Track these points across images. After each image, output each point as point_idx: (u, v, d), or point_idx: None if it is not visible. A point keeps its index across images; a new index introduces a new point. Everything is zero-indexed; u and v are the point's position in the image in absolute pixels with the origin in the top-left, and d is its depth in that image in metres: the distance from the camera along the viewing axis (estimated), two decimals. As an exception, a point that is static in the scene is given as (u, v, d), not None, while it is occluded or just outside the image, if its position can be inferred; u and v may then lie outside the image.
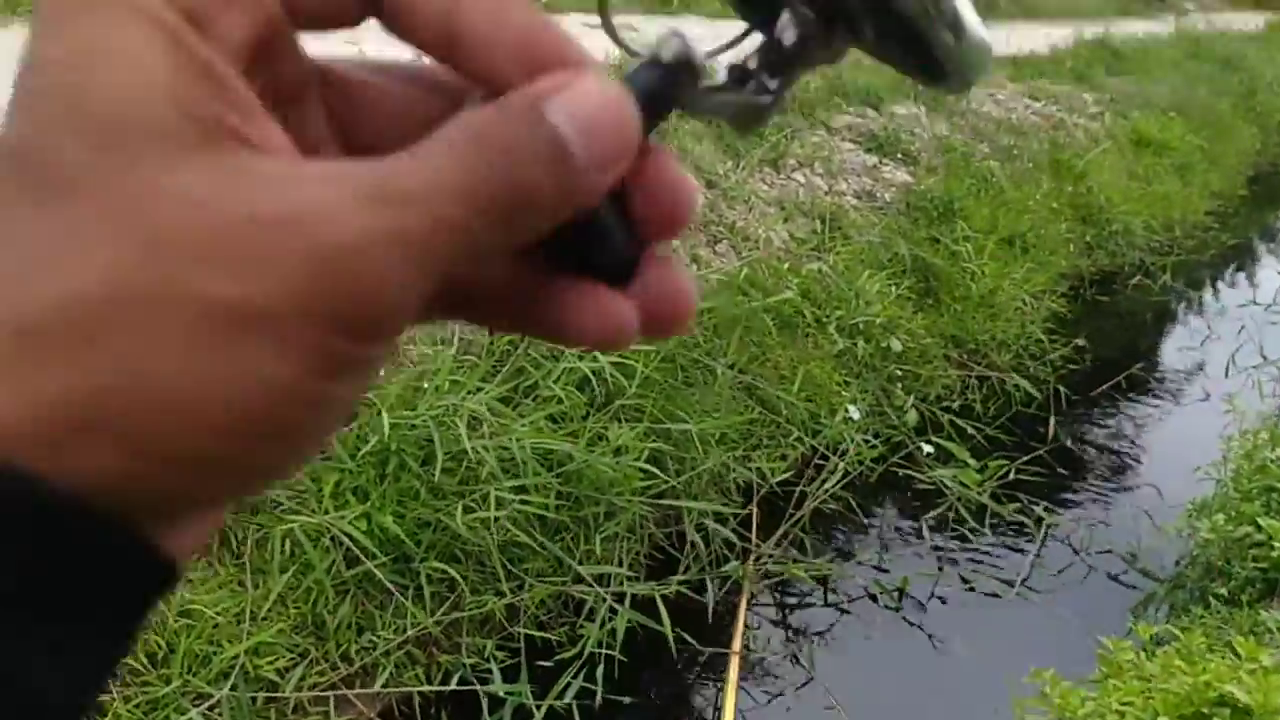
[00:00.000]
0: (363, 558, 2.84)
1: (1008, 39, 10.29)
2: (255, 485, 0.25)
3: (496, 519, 3.04)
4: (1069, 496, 4.76)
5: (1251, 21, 18.70)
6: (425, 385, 3.19)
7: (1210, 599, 3.40)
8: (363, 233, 0.23)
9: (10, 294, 0.21)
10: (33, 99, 0.22)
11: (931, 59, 0.32)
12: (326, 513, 2.85)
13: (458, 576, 2.99)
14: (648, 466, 3.46)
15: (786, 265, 4.87)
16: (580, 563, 3.26)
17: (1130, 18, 16.89)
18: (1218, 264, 8.63)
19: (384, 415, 2.97)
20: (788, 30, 0.31)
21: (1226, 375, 6.21)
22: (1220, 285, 8.28)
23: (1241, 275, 8.64)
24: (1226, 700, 2.25)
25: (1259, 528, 3.46)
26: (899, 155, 6.51)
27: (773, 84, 0.31)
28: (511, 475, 3.12)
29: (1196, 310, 7.70)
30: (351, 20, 0.27)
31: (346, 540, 2.83)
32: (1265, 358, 6.26)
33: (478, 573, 3.09)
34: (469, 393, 3.21)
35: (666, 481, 3.54)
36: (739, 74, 0.31)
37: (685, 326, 0.29)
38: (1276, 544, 3.36)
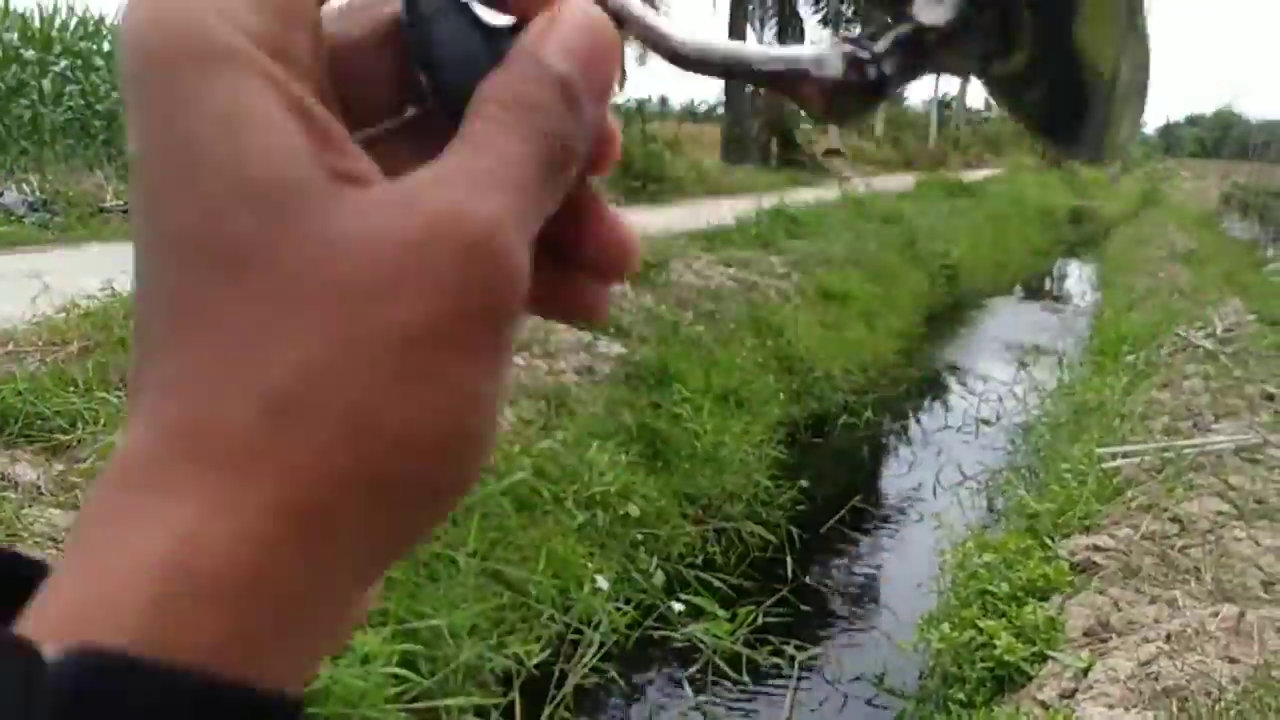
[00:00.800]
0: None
1: (698, 215, 11.16)
2: (449, 509, 0.26)
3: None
4: (816, 631, 4.95)
5: (903, 181, 21.22)
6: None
7: (950, 705, 3.60)
8: (492, 217, 0.24)
9: (241, 375, 0.22)
10: (193, 176, 0.23)
11: (1082, 105, 0.29)
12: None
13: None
14: (400, 670, 3.32)
15: (517, 447, 4.92)
16: (336, 788, 3.04)
17: (800, 187, 18.72)
18: (911, 396, 9.48)
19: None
20: (932, 9, 0.28)
21: (934, 495, 6.75)
22: (917, 415, 9.06)
23: (934, 403, 9.51)
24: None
25: (980, 630, 3.74)
26: (612, 330, 6.81)
27: (892, 67, 0.28)
28: (250, 706, 2.91)
29: (901, 440, 8.38)
30: None
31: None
32: (964, 475, 6.87)
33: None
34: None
35: (421, 683, 3.40)
36: (851, 56, 0.28)
37: (633, 268, 0.31)
38: (998, 643, 3.63)
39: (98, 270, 4.91)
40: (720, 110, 24.69)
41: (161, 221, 0.23)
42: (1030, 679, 3.49)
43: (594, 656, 4.04)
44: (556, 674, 3.95)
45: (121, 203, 9.06)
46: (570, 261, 0.29)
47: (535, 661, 3.93)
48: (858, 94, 0.28)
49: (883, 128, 41.09)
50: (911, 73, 0.28)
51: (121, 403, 3.77)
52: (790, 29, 26.69)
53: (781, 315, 8.47)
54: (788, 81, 0.28)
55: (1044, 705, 3.21)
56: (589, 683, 4.02)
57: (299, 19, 0.25)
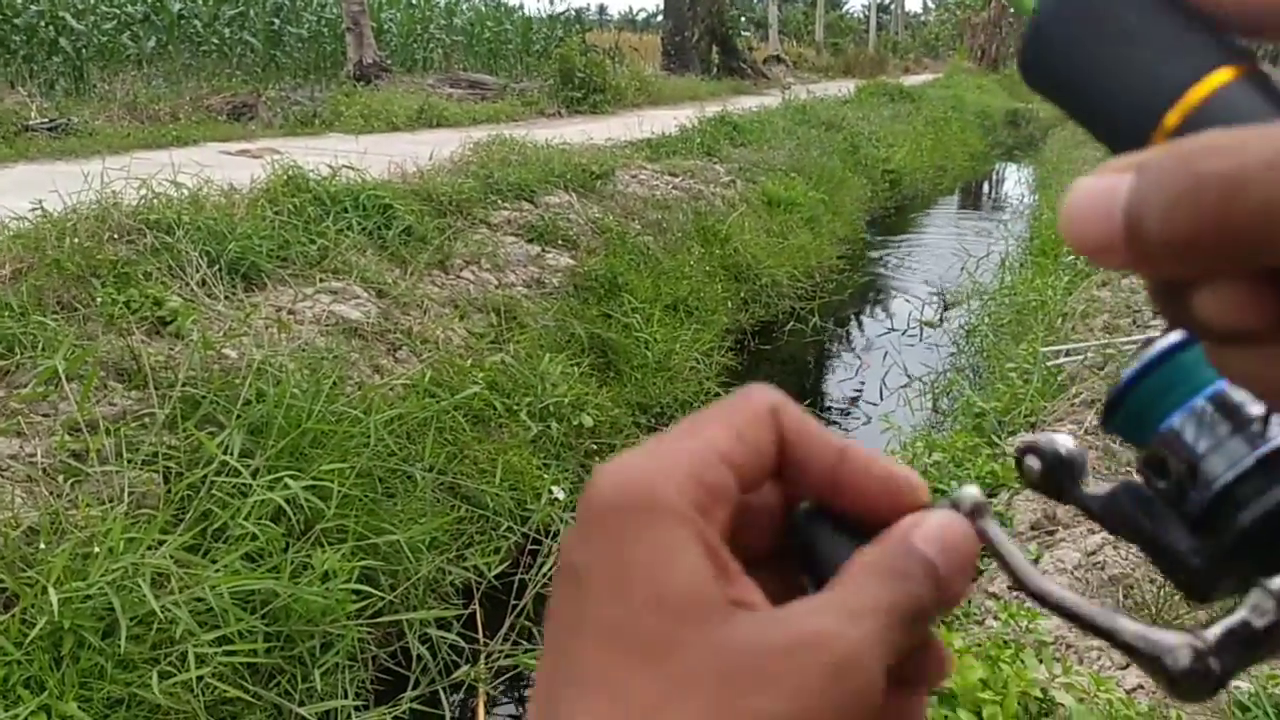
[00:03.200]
0: (48, 755, 2.52)
1: (640, 124, 11.02)
2: None
3: (200, 679, 2.80)
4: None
5: (844, 87, 21.11)
6: (96, 550, 2.91)
7: (904, 600, 3.70)
8: (860, 641, 0.31)
9: None
10: (628, 586, 0.31)
11: None
12: (-4, 714, 2.52)
13: (165, 750, 2.72)
14: (360, 586, 3.33)
15: (469, 361, 4.89)
16: (301, 704, 3.06)
17: (742, 95, 18.56)
18: (856, 301, 9.56)
19: (51, 591, 2.67)
20: (1261, 615, 0.32)
21: (881, 398, 6.85)
22: (862, 319, 9.16)
23: (878, 307, 9.60)
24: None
25: (931, 527, 3.82)
26: (559, 241, 6.74)
27: (1227, 660, 0.32)
28: (210, 627, 2.90)
29: (847, 344, 8.47)
30: (762, 485, 0.37)
31: (25, 740, 2.51)
32: (909, 376, 6.98)
33: (188, 741, 2.83)
34: (149, 548, 2.96)
35: (382, 598, 3.41)
36: (1195, 651, 0.32)
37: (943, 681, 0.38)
38: (948, 538, 3.72)
39: (26, 190, 4.73)
40: (659, 19, 24.20)
41: (594, 614, 0.31)
42: (981, 573, 3.59)
43: (553, 566, 4.08)
44: (516, 584, 3.98)
45: (46, 120, 8.72)
46: (896, 680, 0.35)
47: (495, 573, 3.96)
48: (1201, 682, 0.32)
49: (823, 33, 40.70)
50: (1246, 660, 0.33)
51: (59, 326, 3.67)
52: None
53: (728, 223, 8.44)
54: (1140, 658, 0.33)
55: (995, 597, 3.30)
56: (549, 591, 4.06)
57: (722, 497, 0.33)
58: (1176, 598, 2.92)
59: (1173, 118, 0.32)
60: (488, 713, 3.59)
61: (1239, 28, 0.32)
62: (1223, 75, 0.32)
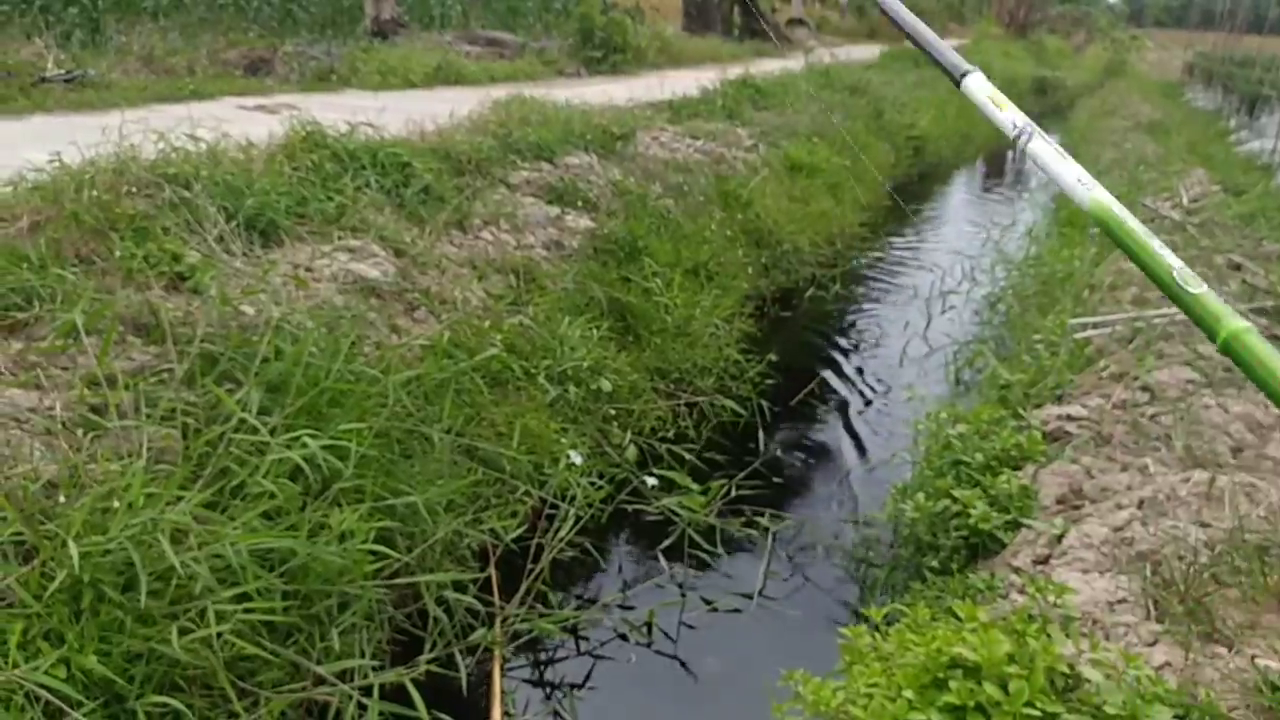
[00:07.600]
0: (66, 709, 2.51)
1: (661, 86, 10.88)
2: None
3: (219, 635, 2.78)
4: (788, 502, 5.00)
5: (868, 52, 20.84)
6: (115, 504, 2.88)
7: (925, 572, 3.66)
8: None
9: None
10: None
11: None
12: (16, 667, 2.50)
13: (182, 707, 2.70)
14: (377, 547, 3.30)
15: (488, 323, 4.84)
16: (319, 663, 3.05)
17: (764, 58, 18.33)
18: (878, 269, 9.47)
19: (71, 545, 2.65)
20: None
21: (901, 366, 6.79)
22: (884, 288, 9.07)
23: (900, 276, 9.51)
24: (958, 662, 2.41)
25: (954, 499, 3.77)
26: (579, 203, 6.67)
27: None
28: (229, 584, 2.87)
29: (868, 313, 8.39)
30: None
31: (44, 693, 2.50)
32: (930, 347, 6.91)
33: (204, 698, 2.82)
34: (168, 504, 2.93)
35: (399, 559, 3.39)
36: None
37: None
38: (972, 512, 3.66)
39: (43, 141, 4.69)
40: (681, -23, 23.87)
41: None
42: (1004, 546, 3.54)
43: (570, 531, 4.05)
44: (533, 548, 3.96)
45: (63, 72, 8.65)
46: None
47: (512, 536, 3.93)
48: None
49: (847, -4, 40.11)
50: None
51: (77, 280, 3.64)
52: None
53: (749, 188, 8.34)
54: None
55: (1018, 571, 3.26)
56: (565, 556, 4.04)
57: None
58: (1206, 575, 2.87)
59: None
60: (503, 675, 3.58)
61: None
62: None
